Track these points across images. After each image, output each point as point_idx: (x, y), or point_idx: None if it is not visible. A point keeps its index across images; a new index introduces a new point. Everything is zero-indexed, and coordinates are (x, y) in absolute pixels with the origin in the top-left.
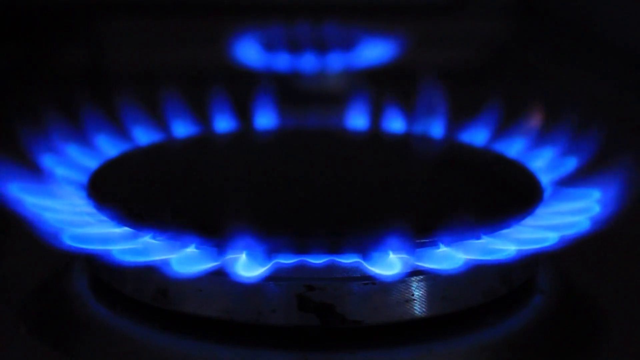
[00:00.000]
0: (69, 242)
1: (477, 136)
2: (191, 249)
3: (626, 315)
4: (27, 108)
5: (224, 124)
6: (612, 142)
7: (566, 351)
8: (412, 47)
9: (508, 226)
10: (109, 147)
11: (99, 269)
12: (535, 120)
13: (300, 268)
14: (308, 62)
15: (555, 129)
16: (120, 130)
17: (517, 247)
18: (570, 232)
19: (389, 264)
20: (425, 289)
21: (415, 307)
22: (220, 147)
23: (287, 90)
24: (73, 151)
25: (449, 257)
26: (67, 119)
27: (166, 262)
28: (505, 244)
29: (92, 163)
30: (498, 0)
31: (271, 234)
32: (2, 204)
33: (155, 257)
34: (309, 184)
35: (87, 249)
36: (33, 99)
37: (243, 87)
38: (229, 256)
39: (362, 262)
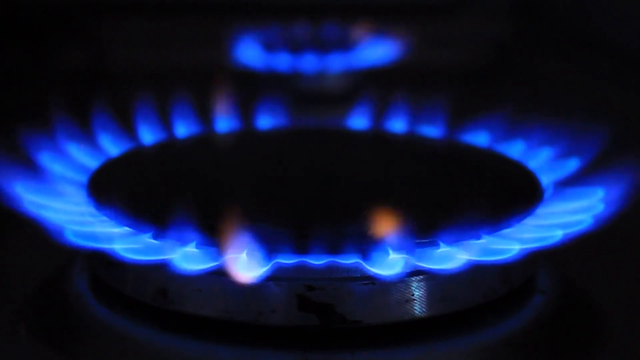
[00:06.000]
0: (70, 241)
1: (477, 136)
2: (191, 248)
3: (626, 315)
4: (28, 108)
5: (224, 123)
6: (613, 142)
7: (566, 351)
8: (412, 47)
9: (508, 226)
10: (110, 147)
11: (99, 269)
12: (534, 120)
13: (300, 268)
14: (308, 62)
15: (556, 128)
16: (121, 130)
17: (518, 247)
18: (570, 231)
19: (389, 264)
20: (425, 289)
21: (415, 307)
22: (221, 147)
23: (287, 90)
24: (74, 150)
25: (449, 257)
26: (67, 119)
27: (166, 262)
28: (505, 244)
29: (93, 162)
30: (498, 0)
31: (271, 234)
32: (3, 203)
33: (156, 257)
34: (309, 184)
35: (87, 247)
36: (33, 98)
37: (243, 87)
38: (229, 256)
39: (362, 262)
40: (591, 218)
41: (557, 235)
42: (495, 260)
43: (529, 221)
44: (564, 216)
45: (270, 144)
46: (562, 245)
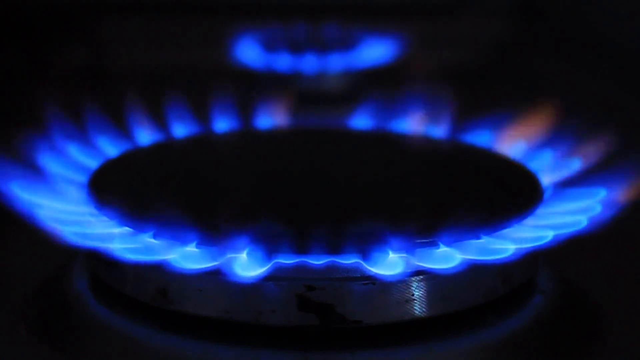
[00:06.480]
0: (70, 241)
1: (477, 136)
2: (191, 248)
3: (626, 315)
4: (28, 108)
5: (224, 124)
6: (613, 142)
7: (566, 351)
8: (412, 48)
9: (508, 226)
10: (109, 147)
11: (99, 269)
12: (534, 120)
13: (300, 268)
14: (308, 62)
15: (556, 129)
16: (121, 130)
17: (517, 247)
18: (570, 232)
19: (389, 264)
20: (425, 289)
21: (415, 307)
22: (221, 147)
23: (287, 90)
24: (74, 151)
25: (449, 257)
26: (67, 119)
27: (166, 262)
28: (505, 244)
29: (92, 163)
30: (498, 0)
31: (271, 234)
32: (3, 203)
33: (156, 257)
34: (309, 184)
35: (87, 247)
36: (34, 98)
37: (243, 87)
38: (229, 256)
39: (362, 262)
40: (589, 219)
41: (555, 235)
42: (495, 260)
43: (529, 221)
44: (564, 217)
45: (270, 144)
46: (561, 246)
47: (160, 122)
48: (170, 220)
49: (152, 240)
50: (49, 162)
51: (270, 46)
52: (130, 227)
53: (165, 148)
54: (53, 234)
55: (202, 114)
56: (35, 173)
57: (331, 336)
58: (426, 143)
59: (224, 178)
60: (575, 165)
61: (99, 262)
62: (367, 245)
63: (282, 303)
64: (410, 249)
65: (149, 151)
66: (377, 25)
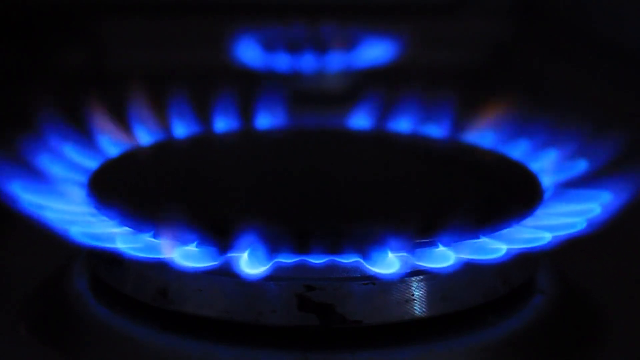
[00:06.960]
0: (70, 241)
1: (476, 136)
2: (192, 248)
3: (626, 315)
4: (28, 108)
5: (224, 123)
6: (613, 142)
7: (566, 351)
8: (412, 47)
9: (507, 226)
10: (109, 147)
11: (99, 269)
12: (533, 120)
13: (300, 268)
14: (308, 62)
15: (555, 129)
16: (121, 130)
17: (516, 247)
18: (569, 233)
19: (389, 264)
20: (425, 289)
21: (415, 307)
22: (221, 146)
23: (287, 90)
24: (74, 151)
25: (449, 256)
26: (68, 119)
27: (167, 261)
28: (504, 244)
29: (93, 163)
30: (498, 0)
31: (272, 233)
32: (3, 203)
33: (156, 256)
34: (309, 183)
35: (88, 246)
36: (34, 98)
37: (243, 87)
38: (230, 255)
39: (362, 262)
40: (589, 220)
41: (554, 237)
42: (495, 260)
43: (529, 222)
44: (564, 218)
45: (270, 144)
46: (561, 247)
47: (160, 122)
48: (171, 220)
49: (153, 240)
50: (49, 162)
51: (270, 46)
52: (130, 226)
53: (166, 148)
54: (55, 234)
55: (202, 114)
56: (35, 173)
57: (331, 336)
58: (426, 143)
59: (224, 178)
60: (575, 166)
61: (99, 262)
62: (367, 245)
63: (282, 303)
64: (410, 249)
65: (149, 151)
66: (377, 25)
